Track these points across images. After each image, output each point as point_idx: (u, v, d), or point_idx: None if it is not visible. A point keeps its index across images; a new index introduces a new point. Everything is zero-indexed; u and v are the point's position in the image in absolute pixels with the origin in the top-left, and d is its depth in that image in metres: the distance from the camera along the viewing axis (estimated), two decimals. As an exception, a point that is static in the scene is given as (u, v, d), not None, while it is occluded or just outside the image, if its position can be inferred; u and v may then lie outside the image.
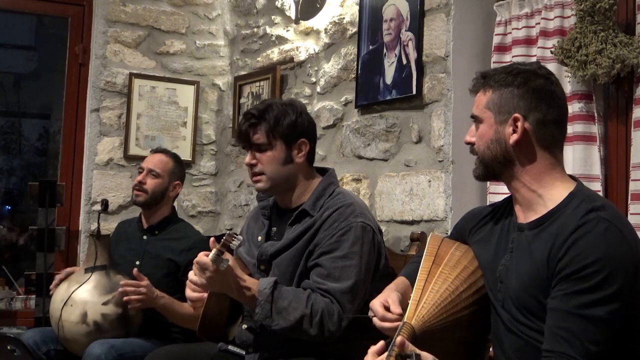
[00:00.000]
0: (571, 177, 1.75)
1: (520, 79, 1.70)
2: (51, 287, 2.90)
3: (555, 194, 1.68)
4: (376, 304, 1.77)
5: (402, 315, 1.71)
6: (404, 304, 1.75)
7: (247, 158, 2.27)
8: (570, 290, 1.53)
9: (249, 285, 2.06)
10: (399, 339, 1.42)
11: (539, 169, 1.70)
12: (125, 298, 2.69)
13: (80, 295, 2.72)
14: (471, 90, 1.81)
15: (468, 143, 1.80)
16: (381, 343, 1.49)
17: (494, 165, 1.74)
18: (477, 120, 1.76)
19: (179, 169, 3.19)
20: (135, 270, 2.76)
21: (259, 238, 2.31)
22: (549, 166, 1.70)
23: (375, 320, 1.76)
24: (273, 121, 2.22)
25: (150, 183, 3.07)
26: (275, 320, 2.05)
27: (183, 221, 3.27)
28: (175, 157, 3.21)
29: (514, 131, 1.69)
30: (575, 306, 1.51)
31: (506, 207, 1.83)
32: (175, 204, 3.24)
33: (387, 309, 1.75)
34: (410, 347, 1.44)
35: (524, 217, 1.73)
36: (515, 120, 1.68)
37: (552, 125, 1.69)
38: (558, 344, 1.51)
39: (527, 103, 1.68)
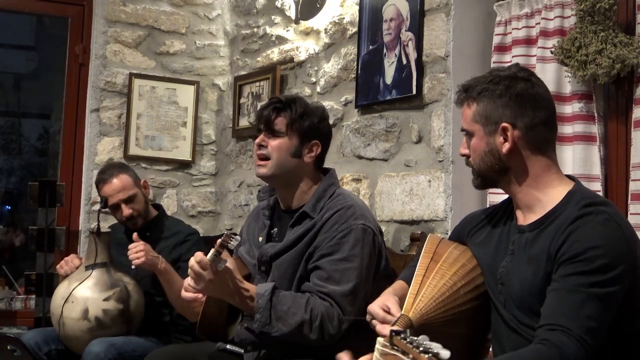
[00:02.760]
0: (569, 177, 1.75)
1: (501, 86, 1.70)
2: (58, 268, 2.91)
3: (554, 194, 1.68)
4: (375, 307, 1.76)
5: None
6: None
7: (259, 138, 2.26)
8: (570, 272, 1.53)
9: (248, 290, 2.05)
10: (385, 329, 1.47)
11: (535, 172, 1.70)
12: (131, 257, 2.71)
13: (81, 292, 2.73)
14: (456, 103, 1.82)
15: (463, 155, 1.81)
16: (346, 351, 1.51)
17: (491, 175, 1.75)
18: (467, 133, 1.77)
19: (132, 170, 3.11)
20: (135, 234, 2.78)
21: (260, 239, 2.31)
22: (544, 168, 1.71)
23: (375, 323, 1.75)
24: (298, 114, 2.24)
25: (135, 207, 3.00)
26: (274, 327, 2.04)
27: (172, 218, 3.26)
28: (121, 166, 3.14)
29: (505, 140, 1.69)
30: (575, 284, 1.52)
31: (506, 209, 1.84)
32: (161, 202, 3.22)
33: (387, 312, 1.74)
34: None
35: (524, 219, 1.73)
36: (505, 129, 1.69)
37: (541, 127, 1.70)
38: (555, 318, 1.51)
39: (512, 110, 1.69)
